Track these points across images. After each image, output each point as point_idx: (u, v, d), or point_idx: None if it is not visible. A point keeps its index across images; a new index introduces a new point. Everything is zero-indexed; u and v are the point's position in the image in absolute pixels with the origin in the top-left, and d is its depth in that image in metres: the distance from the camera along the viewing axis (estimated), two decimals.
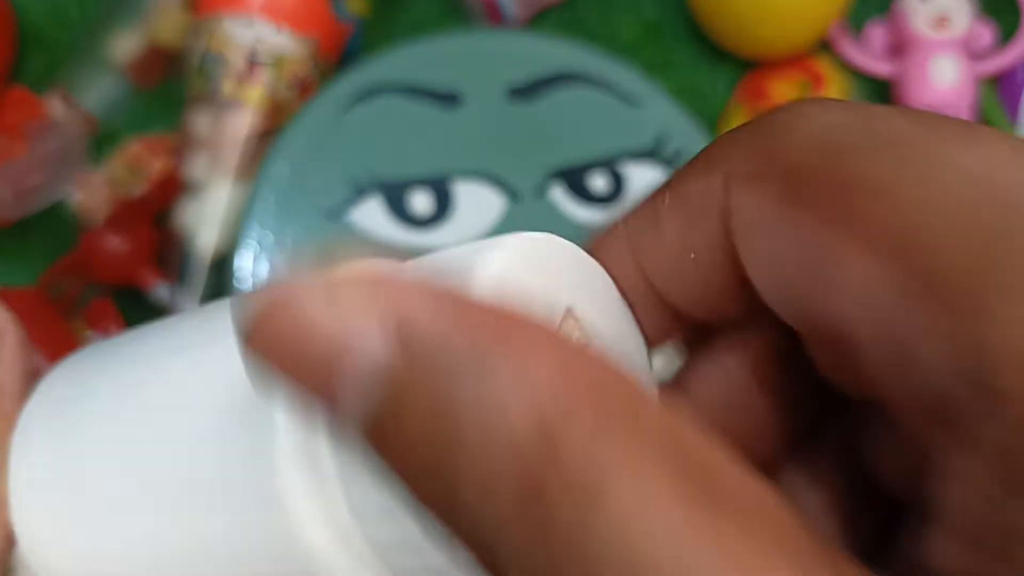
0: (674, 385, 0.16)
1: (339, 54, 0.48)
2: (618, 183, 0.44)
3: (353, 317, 0.10)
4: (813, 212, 0.12)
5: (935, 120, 0.12)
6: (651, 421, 0.10)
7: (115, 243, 0.44)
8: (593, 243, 0.16)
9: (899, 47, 0.50)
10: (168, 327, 0.16)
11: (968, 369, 0.10)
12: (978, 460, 0.10)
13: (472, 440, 0.09)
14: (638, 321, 0.16)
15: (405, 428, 0.10)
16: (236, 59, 0.44)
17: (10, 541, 0.17)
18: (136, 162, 0.47)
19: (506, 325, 0.10)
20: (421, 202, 0.42)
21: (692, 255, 0.14)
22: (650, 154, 0.44)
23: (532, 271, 0.14)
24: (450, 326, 0.10)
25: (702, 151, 0.14)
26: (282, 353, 0.10)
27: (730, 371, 0.15)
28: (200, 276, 0.43)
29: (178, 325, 0.16)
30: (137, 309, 0.44)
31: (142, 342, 0.16)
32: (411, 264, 0.14)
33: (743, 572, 0.09)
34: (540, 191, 0.43)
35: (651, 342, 0.16)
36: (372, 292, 0.10)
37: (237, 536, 0.14)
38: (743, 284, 0.14)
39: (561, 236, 0.15)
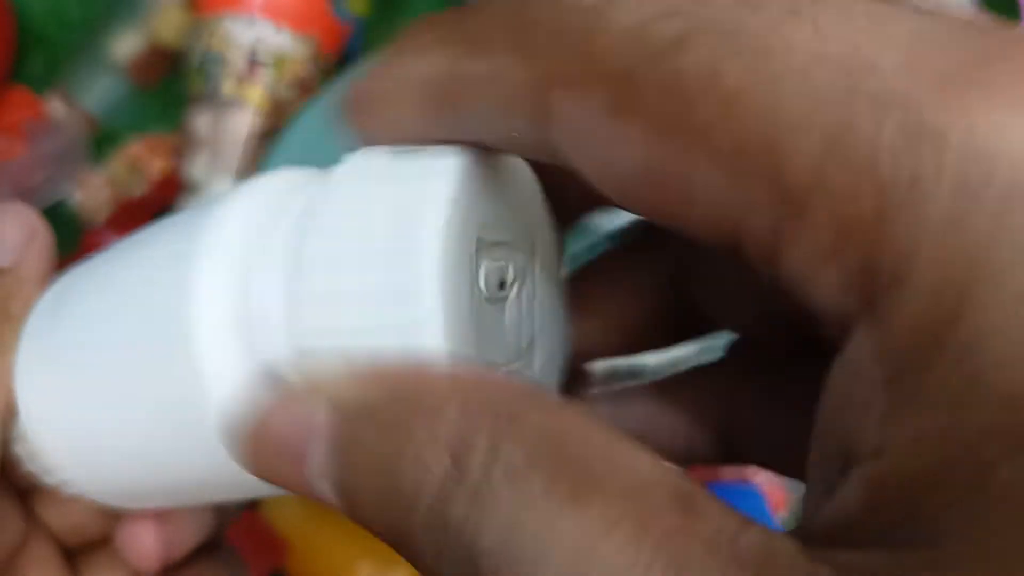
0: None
1: (339, 54, 0.48)
2: None
3: (298, 409, 0.13)
4: (649, 125, 0.11)
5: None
6: (532, 428, 0.12)
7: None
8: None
9: None
10: (143, 235, 0.18)
11: (848, 275, 0.10)
12: (864, 377, 0.10)
13: (407, 492, 0.12)
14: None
15: (359, 489, 0.12)
16: (236, 59, 0.44)
17: (11, 411, 0.19)
18: (137, 162, 0.47)
19: (415, 387, 0.12)
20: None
21: (515, 135, 0.13)
22: None
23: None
24: (374, 396, 0.13)
25: (505, 17, 0.13)
26: (258, 455, 0.14)
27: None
28: None
29: (150, 231, 0.18)
30: None
31: (120, 246, 0.18)
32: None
33: (591, 546, 0.11)
34: None
35: None
36: (310, 384, 0.13)
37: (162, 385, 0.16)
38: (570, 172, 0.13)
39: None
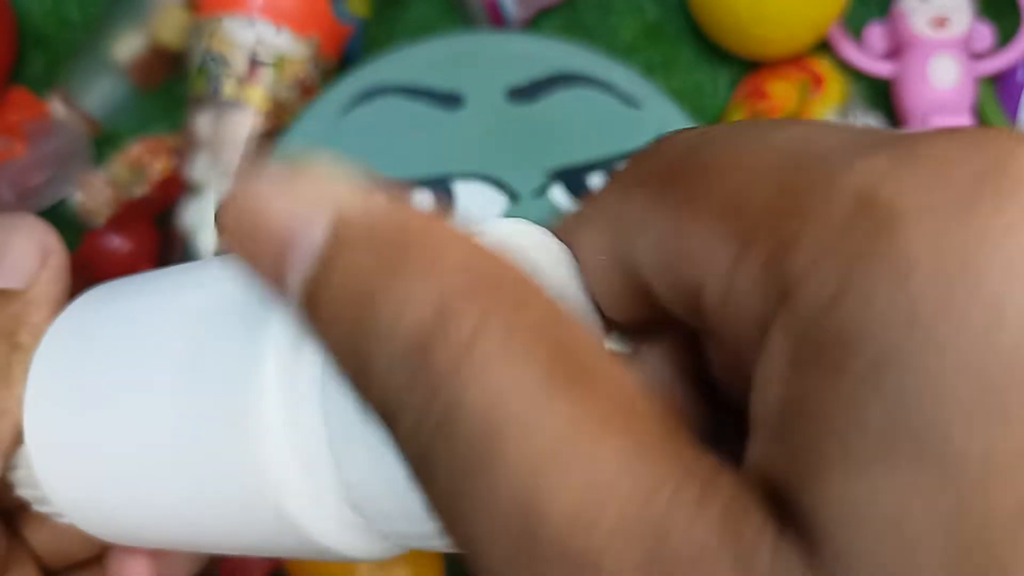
0: None
1: (340, 54, 0.48)
2: None
3: (301, 206, 0.13)
4: (673, 200, 0.14)
5: (761, 122, 0.14)
6: (536, 308, 0.12)
7: (117, 243, 0.44)
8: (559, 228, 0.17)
9: (899, 47, 0.50)
10: (185, 267, 0.18)
11: (770, 280, 0.12)
12: (774, 352, 0.11)
13: (384, 320, 0.12)
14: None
15: (333, 302, 0.12)
16: (237, 60, 0.45)
17: (18, 440, 0.18)
18: (137, 163, 0.47)
19: (426, 224, 0.13)
20: (422, 203, 0.43)
21: (602, 257, 0.15)
22: None
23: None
24: (378, 222, 0.12)
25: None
26: (242, 233, 0.13)
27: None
28: None
29: (194, 266, 0.18)
30: None
31: (159, 276, 0.18)
32: None
33: (575, 436, 0.11)
34: (540, 192, 0.43)
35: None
36: (319, 186, 0.13)
37: (209, 448, 0.15)
38: (641, 290, 0.15)
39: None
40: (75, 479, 0.17)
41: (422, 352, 0.11)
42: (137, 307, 0.17)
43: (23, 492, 0.18)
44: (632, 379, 0.12)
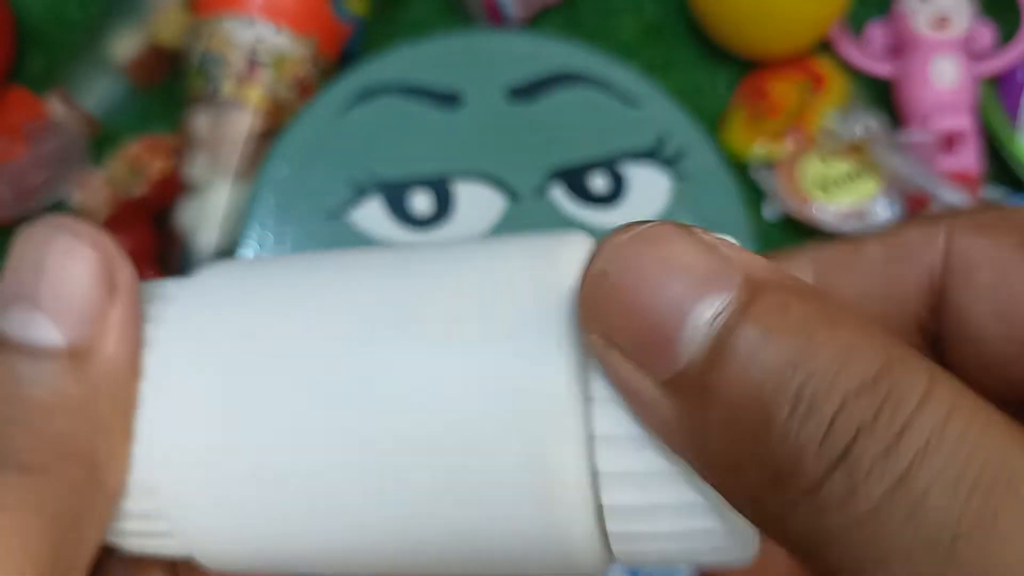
0: None
1: (339, 54, 0.48)
2: (618, 183, 0.44)
3: (705, 275, 0.12)
4: None
5: None
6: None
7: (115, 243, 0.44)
8: (775, 255, 0.16)
9: (899, 47, 0.50)
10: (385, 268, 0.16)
11: None
12: None
13: (823, 376, 0.11)
14: None
15: (750, 367, 0.11)
16: (236, 59, 0.44)
17: (121, 494, 0.15)
18: (136, 162, 0.47)
19: (834, 311, 0.12)
20: (421, 202, 0.42)
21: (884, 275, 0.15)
22: (650, 154, 0.44)
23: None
24: (789, 284, 0.12)
25: (921, 216, 0.16)
26: (616, 307, 0.12)
27: None
28: None
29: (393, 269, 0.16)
30: None
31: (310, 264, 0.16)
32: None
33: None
34: (540, 191, 0.43)
35: None
36: (726, 258, 0.12)
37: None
38: (922, 327, 0.15)
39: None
40: (224, 507, 0.15)
41: (872, 410, 0.11)
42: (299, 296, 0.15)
43: (133, 526, 0.16)
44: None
